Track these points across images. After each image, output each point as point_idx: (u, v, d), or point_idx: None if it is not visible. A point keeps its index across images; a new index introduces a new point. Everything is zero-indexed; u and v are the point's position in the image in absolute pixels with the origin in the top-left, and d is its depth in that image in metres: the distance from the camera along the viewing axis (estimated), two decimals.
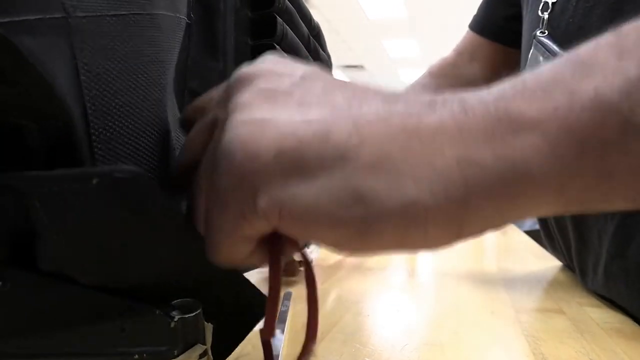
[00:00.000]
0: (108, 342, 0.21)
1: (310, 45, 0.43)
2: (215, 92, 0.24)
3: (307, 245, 0.54)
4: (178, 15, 0.24)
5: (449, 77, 0.85)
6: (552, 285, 0.57)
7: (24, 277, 0.21)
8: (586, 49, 0.20)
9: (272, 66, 0.22)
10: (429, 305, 0.48)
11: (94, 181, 0.18)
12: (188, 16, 0.27)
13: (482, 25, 0.81)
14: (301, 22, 0.40)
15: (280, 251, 0.22)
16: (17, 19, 0.18)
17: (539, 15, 0.55)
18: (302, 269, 0.60)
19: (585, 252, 0.53)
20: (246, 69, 0.22)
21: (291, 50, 0.38)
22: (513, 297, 0.51)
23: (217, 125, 0.21)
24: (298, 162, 0.19)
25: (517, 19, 0.69)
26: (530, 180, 0.18)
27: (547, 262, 0.69)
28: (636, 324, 0.43)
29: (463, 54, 0.84)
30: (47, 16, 0.18)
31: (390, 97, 0.20)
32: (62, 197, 0.19)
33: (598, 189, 0.19)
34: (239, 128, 0.19)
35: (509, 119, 0.18)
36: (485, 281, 0.59)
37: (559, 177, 0.18)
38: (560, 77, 0.19)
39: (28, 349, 0.21)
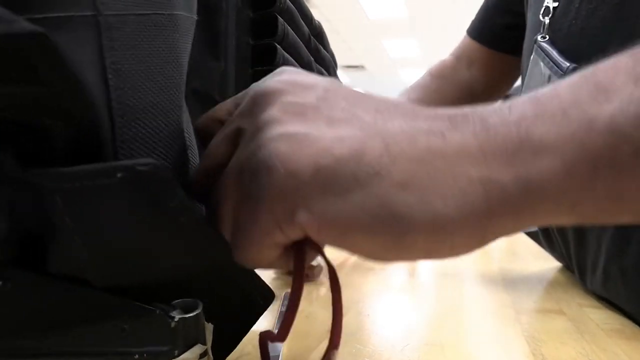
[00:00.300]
0: (108, 342, 0.21)
1: (310, 45, 0.43)
2: (230, 104, 0.25)
3: None
4: (193, 15, 0.24)
5: (448, 79, 0.85)
6: (552, 286, 0.57)
7: (24, 276, 0.21)
8: (604, 71, 0.21)
9: (294, 79, 0.23)
10: (429, 306, 0.48)
11: (119, 175, 0.18)
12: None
13: (479, 32, 0.81)
14: (302, 21, 0.40)
15: (304, 256, 0.23)
16: (50, 15, 0.18)
17: (540, 20, 0.55)
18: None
19: (584, 252, 0.53)
20: (269, 82, 0.23)
21: (292, 50, 0.38)
22: (513, 297, 0.51)
23: (243, 136, 0.22)
24: (335, 179, 0.20)
25: (515, 27, 0.69)
26: (546, 198, 0.20)
27: (547, 263, 0.69)
28: (636, 325, 0.43)
29: (461, 58, 0.84)
30: (78, 13, 0.19)
31: (409, 111, 0.22)
32: (86, 193, 0.19)
33: (609, 207, 0.20)
34: (277, 142, 0.20)
35: (530, 142, 0.20)
36: (486, 281, 0.59)
37: (573, 197, 0.20)
38: (578, 100, 0.20)
39: (28, 348, 0.21)
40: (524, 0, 0.67)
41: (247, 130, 0.22)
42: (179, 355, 0.21)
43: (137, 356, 0.21)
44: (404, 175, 0.20)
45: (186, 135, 0.26)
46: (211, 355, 0.22)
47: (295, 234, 0.21)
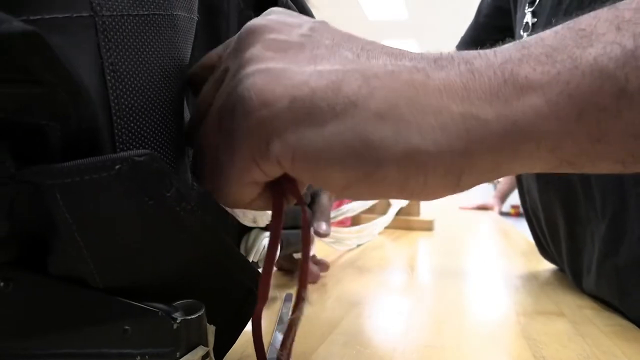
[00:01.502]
0: (110, 343, 0.21)
1: None
2: (221, 48, 0.25)
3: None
4: (192, 15, 0.24)
5: None
6: (552, 288, 0.57)
7: (26, 278, 0.20)
8: (587, 20, 0.21)
9: (281, 18, 0.23)
10: (430, 307, 0.48)
11: (117, 167, 0.18)
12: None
13: (470, 49, 0.83)
14: None
15: (282, 196, 0.24)
16: (47, 16, 0.18)
17: (521, 34, 0.58)
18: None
19: (578, 252, 0.53)
20: (256, 20, 0.23)
21: None
22: (513, 299, 0.51)
23: (227, 76, 0.22)
24: (310, 109, 0.20)
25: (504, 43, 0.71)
26: (529, 138, 0.20)
27: (546, 264, 0.69)
28: (636, 327, 0.43)
29: None
30: (75, 14, 0.19)
31: (396, 52, 0.21)
32: (85, 188, 0.19)
33: (589, 150, 0.20)
34: (255, 77, 0.20)
35: (514, 81, 0.20)
36: (485, 283, 0.59)
37: (555, 137, 0.20)
38: (563, 45, 0.20)
39: (30, 349, 0.21)
40: (512, 18, 0.69)
41: (230, 70, 0.22)
42: (180, 357, 0.20)
43: (138, 358, 0.20)
44: (382, 106, 0.19)
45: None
46: (213, 357, 0.22)
47: (271, 169, 0.21)
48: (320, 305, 0.46)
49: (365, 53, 0.21)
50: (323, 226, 0.50)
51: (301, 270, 0.24)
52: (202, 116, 0.24)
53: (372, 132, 0.19)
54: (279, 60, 0.21)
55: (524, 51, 0.20)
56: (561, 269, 0.64)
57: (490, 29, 0.80)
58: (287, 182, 0.23)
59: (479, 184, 0.21)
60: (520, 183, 0.67)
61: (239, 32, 0.23)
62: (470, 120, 0.19)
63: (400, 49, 0.22)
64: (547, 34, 0.21)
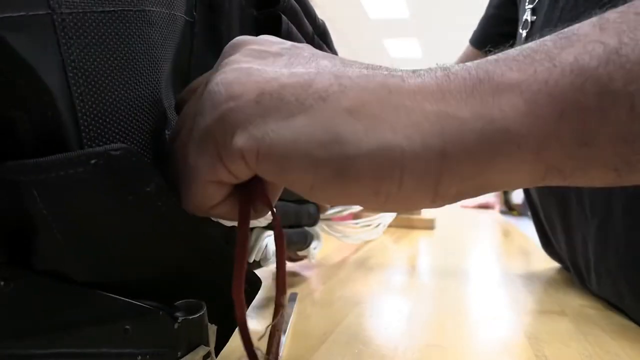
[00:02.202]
0: (111, 343, 0.21)
1: (314, 44, 0.43)
2: (208, 73, 0.25)
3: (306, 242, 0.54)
4: (173, 12, 0.24)
5: None
6: (554, 287, 0.57)
7: (25, 277, 0.20)
8: (569, 27, 0.20)
9: (265, 38, 0.23)
10: (431, 307, 0.48)
11: (92, 162, 0.18)
12: (190, 14, 0.27)
13: (481, 41, 0.84)
14: (306, 20, 0.40)
15: (250, 202, 0.23)
16: (6, 15, 0.18)
17: (520, 32, 0.57)
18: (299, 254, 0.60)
19: (576, 253, 0.53)
20: (239, 37, 0.23)
21: None
22: (514, 298, 0.51)
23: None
24: (278, 103, 0.19)
25: (512, 35, 0.71)
26: (508, 138, 0.19)
27: (548, 264, 0.69)
28: (638, 326, 0.43)
29: None
30: (31, 13, 0.18)
31: (375, 65, 0.21)
32: (60, 184, 0.19)
33: (577, 155, 0.19)
34: (226, 73, 0.20)
35: (490, 80, 0.19)
36: (487, 282, 0.59)
37: (537, 138, 0.19)
38: (542, 47, 0.20)
39: (29, 349, 0.21)
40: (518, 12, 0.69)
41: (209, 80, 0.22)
42: (181, 357, 0.20)
43: (139, 357, 0.20)
44: (353, 103, 0.19)
45: (168, 132, 0.25)
46: (214, 357, 0.22)
47: (236, 167, 0.20)
48: (322, 305, 0.46)
49: (343, 64, 0.21)
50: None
51: (278, 278, 0.23)
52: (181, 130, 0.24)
53: (342, 127, 0.19)
54: (253, 63, 0.21)
55: (502, 55, 0.20)
56: (565, 267, 0.64)
57: (498, 20, 0.79)
58: (256, 184, 0.22)
59: (460, 195, 0.20)
60: None
61: (223, 50, 0.23)
62: (445, 119, 0.19)
63: (380, 66, 0.21)
64: (528, 43, 0.21)
